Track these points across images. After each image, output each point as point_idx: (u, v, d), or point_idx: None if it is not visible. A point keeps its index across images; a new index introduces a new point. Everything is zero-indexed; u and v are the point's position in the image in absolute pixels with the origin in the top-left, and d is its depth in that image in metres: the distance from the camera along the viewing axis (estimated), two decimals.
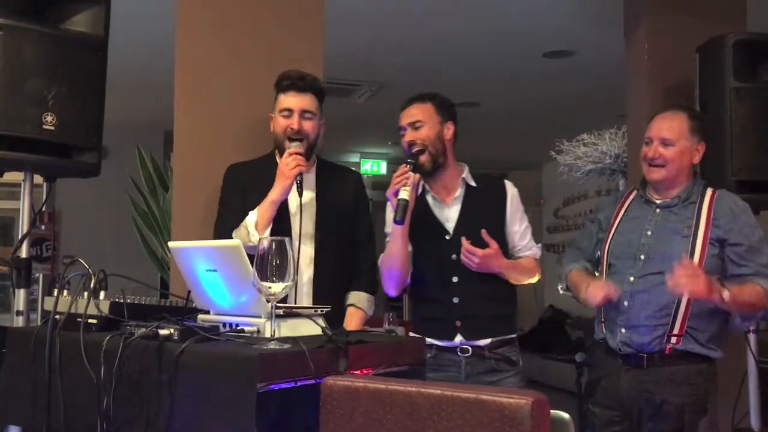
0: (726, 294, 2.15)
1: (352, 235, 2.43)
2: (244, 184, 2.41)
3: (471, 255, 2.27)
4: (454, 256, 2.35)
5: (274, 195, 2.26)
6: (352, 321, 2.35)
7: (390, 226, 2.39)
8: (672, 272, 2.12)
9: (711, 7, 3.36)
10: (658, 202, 2.41)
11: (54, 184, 2.53)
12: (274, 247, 1.58)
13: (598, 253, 2.49)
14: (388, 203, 2.43)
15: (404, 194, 2.22)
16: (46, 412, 1.79)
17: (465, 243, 2.26)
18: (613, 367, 2.37)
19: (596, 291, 2.33)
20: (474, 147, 7.79)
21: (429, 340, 2.35)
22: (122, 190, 4.58)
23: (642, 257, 2.34)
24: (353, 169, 2.72)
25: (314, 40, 2.93)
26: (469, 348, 2.33)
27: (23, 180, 2.40)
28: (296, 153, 2.28)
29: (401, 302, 8.85)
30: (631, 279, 2.34)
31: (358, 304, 2.41)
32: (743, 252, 2.28)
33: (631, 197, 2.52)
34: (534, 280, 2.46)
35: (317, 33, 2.94)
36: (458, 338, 2.33)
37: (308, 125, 2.36)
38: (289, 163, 2.27)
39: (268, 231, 2.25)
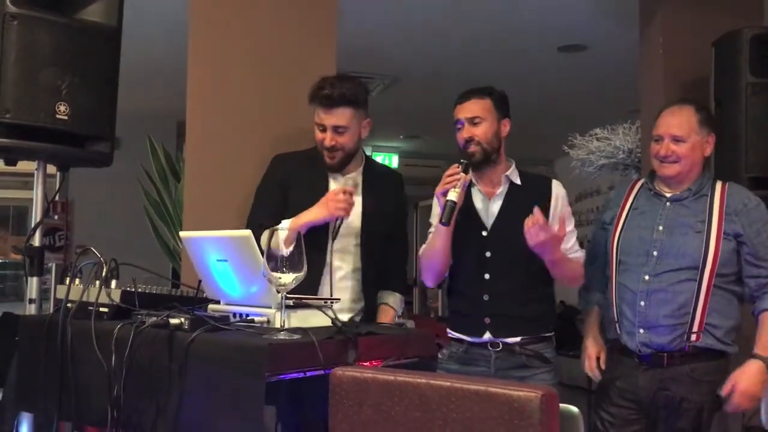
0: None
1: (389, 237, 2.43)
2: (287, 175, 2.41)
3: (539, 229, 2.12)
4: (488, 254, 2.31)
5: (310, 217, 2.22)
6: (385, 319, 2.38)
7: (434, 218, 2.37)
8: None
9: (727, 2, 3.33)
10: (668, 195, 2.37)
11: (67, 173, 2.54)
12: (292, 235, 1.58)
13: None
14: (434, 198, 2.40)
15: (453, 195, 2.17)
16: (57, 399, 1.81)
17: (538, 214, 2.13)
18: (629, 367, 2.33)
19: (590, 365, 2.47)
20: None
21: (460, 335, 2.36)
22: (134, 181, 4.59)
23: (655, 253, 2.31)
24: (397, 170, 2.68)
25: (327, 33, 2.92)
26: (500, 343, 2.29)
27: (36, 169, 2.41)
28: (349, 194, 2.25)
29: (411, 296, 8.88)
30: (646, 278, 2.30)
31: (391, 304, 2.43)
32: (758, 252, 2.26)
33: (637, 188, 2.47)
34: (576, 284, 2.42)
35: (331, 26, 2.93)
36: (487, 335, 2.29)
37: (343, 139, 2.33)
38: (339, 200, 2.23)
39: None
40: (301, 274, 1.59)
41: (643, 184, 2.47)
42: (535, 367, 2.31)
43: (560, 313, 8.22)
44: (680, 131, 2.32)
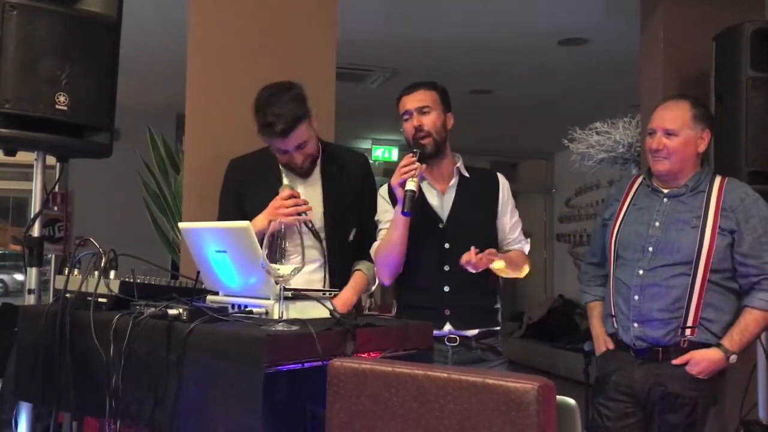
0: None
1: (359, 223, 2.42)
2: (241, 180, 2.42)
3: (469, 264, 2.20)
4: (447, 245, 2.33)
5: (258, 226, 2.07)
6: (356, 282, 2.36)
7: (382, 215, 2.38)
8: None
9: None
10: (665, 191, 2.38)
11: (66, 164, 2.54)
12: (283, 229, 1.58)
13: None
14: (378, 196, 2.43)
15: (411, 185, 2.20)
16: (56, 389, 1.81)
17: (464, 259, 2.19)
18: (625, 361, 2.35)
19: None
20: (486, 135, 7.80)
21: None
22: (134, 172, 4.59)
23: (650, 249, 2.31)
24: (358, 151, 2.66)
25: (328, 25, 2.92)
26: (457, 338, 2.31)
27: (36, 160, 2.41)
28: (294, 196, 2.24)
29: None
30: (641, 272, 2.31)
31: (364, 270, 2.41)
32: (749, 250, 2.26)
33: (637, 184, 2.48)
34: (522, 274, 2.43)
35: (331, 18, 2.93)
36: (447, 327, 2.31)
37: (308, 150, 2.31)
38: (284, 206, 2.21)
39: None
40: (300, 266, 1.59)
41: (642, 180, 2.47)
42: (490, 360, 2.34)
43: (559, 306, 8.25)
44: (672, 125, 2.32)
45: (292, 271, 1.59)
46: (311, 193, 2.36)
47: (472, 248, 2.20)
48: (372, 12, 4.29)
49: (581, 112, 4.79)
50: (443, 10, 4.33)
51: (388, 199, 2.38)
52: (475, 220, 2.37)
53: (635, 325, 2.31)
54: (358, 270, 2.42)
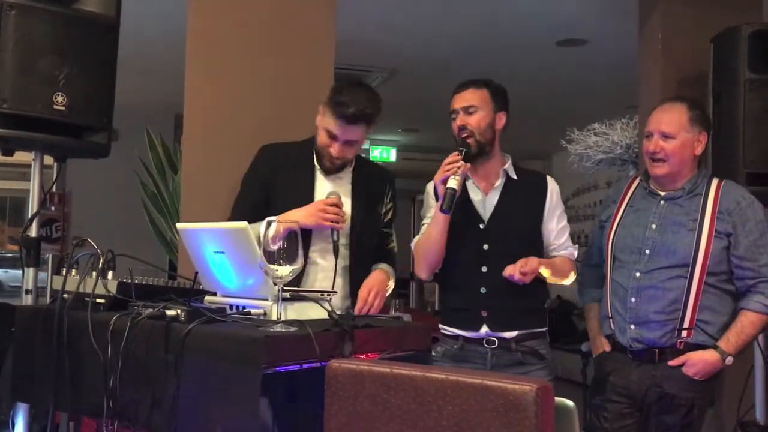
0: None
1: (381, 234, 2.42)
2: (273, 169, 2.37)
3: (513, 278, 2.20)
4: (486, 246, 2.31)
5: (296, 217, 2.05)
6: (378, 275, 2.33)
7: (429, 210, 2.37)
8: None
9: None
10: (662, 194, 2.38)
11: (64, 164, 2.54)
12: (282, 230, 1.58)
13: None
14: (426, 192, 2.42)
15: (453, 183, 2.17)
16: (53, 390, 1.81)
17: (507, 272, 2.20)
18: (622, 362, 2.35)
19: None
20: None
21: (455, 330, 2.34)
22: (132, 173, 4.59)
23: (647, 251, 2.32)
24: (385, 167, 2.65)
25: (326, 25, 2.91)
26: (495, 340, 2.28)
27: (33, 160, 2.41)
28: (339, 208, 2.24)
29: (408, 289, 8.89)
30: (637, 275, 2.31)
31: (384, 268, 2.39)
32: (745, 253, 2.26)
33: (634, 186, 2.48)
34: (568, 281, 2.41)
35: (330, 18, 2.92)
36: (484, 329, 2.29)
37: (350, 152, 2.33)
38: (327, 212, 2.22)
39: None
40: (298, 267, 1.59)
41: (639, 182, 2.48)
42: (531, 363, 2.31)
43: (556, 307, 8.25)
44: (669, 128, 2.32)
45: (291, 271, 1.58)
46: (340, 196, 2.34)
47: (519, 261, 2.19)
48: (370, 12, 4.29)
49: (580, 113, 4.80)
50: (442, 11, 4.33)
51: (434, 196, 2.36)
52: (518, 223, 2.33)
53: (632, 326, 2.31)
54: (378, 268, 2.38)
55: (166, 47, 4.15)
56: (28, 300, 2.36)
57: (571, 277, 2.41)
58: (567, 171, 4.38)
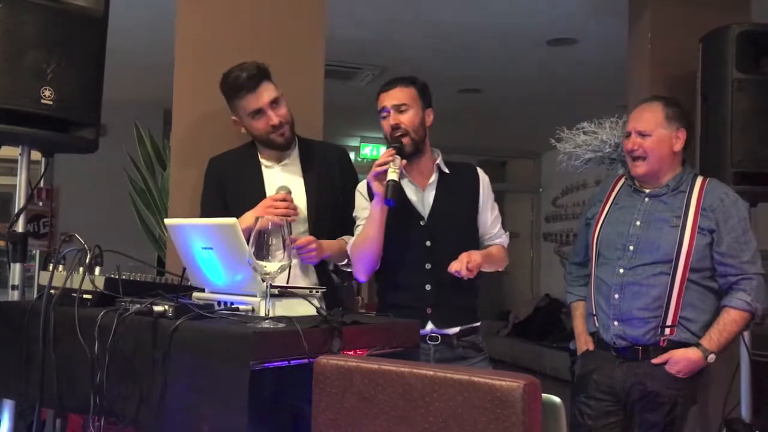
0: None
1: (342, 210, 2.42)
2: (222, 176, 2.42)
3: (459, 273, 2.21)
4: (428, 243, 2.32)
5: (247, 223, 2.02)
6: (334, 244, 2.35)
7: (360, 211, 2.37)
8: None
9: None
10: (647, 191, 2.40)
11: (52, 159, 2.52)
12: (270, 226, 1.58)
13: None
14: (356, 192, 2.41)
15: (393, 175, 2.18)
16: (39, 386, 1.80)
17: (453, 268, 2.21)
18: (606, 360, 2.37)
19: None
20: (474, 134, 7.81)
21: None
22: (120, 168, 4.56)
23: (631, 248, 2.33)
24: (337, 144, 2.66)
25: (317, 23, 2.91)
26: (439, 336, 2.30)
27: (20, 154, 2.39)
28: (284, 199, 2.25)
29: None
30: (621, 271, 2.33)
31: (345, 239, 2.40)
32: (727, 250, 2.28)
33: (620, 184, 2.50)
34: (501, 268, 2.44)
35: (320, 15, 2.92)
36: (429, 326, 2.30)
37: (282, 110, 2.35)
38: (275, 207, 2.22)
39: None
40: (286, 263, 1.59)
41: (624, 180, 2.49)
42: (471, 357, 2.34)
43: (545, 305, 8.29)
44: (645, 126, 2.35)
45: (279, 268, 1.58)
46: (293, 185, 2.36)
47: (462, 256, 2.20)
48: (361, 10, 4.29)
49: (569, 112, 4.81)
50: (432, 9, 4.33)
51: (366, 196, 2.36)
52: (457, 217, 2.37)
53: (615, 323, 2.33)
54: (341, 239, 2.40)
55: (155, 42, 4.13)
56: (14, 296, 2.34)
57: (505, 264, 2.44)
58: (556, 169, 4.38)
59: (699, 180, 2.38)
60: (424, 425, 1.31)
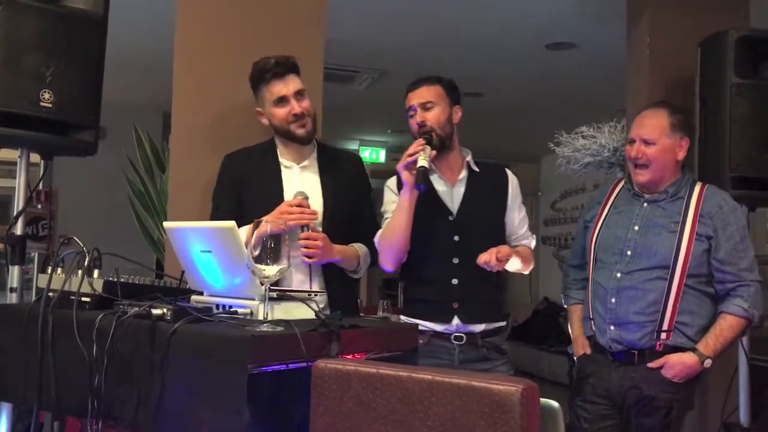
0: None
1: (356, 217, 2.42)
2: (240, 173, 2.39)
3: (488, 264, 2.21)
4: (456, 238, 2.33)
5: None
6: (347, 249, 2.33)
7: (389, 205, 2.38)
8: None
9: (714, 3, 3.35)
10: (645, 196, 2.41)
11: (51, 162, 2.52)
12: (269, 231, 1.58)
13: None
14: (385, 187, 2.43)
15: (423, 162, 2.19)
16: (37, 389, 1.79)
17: (482, 259, 2.21)
18: (602, 364, 2.37)
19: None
20: (474, 138, 7.77)
21: (423, 325, 2.32)
22: (119, 171, 4.56)
23: (629, 252, 2.34)
24: (350, 151, 2.68)
25: (316, 26, 2.91)
26: (464, 336, 2.31)
27: (19, 157, 2.39)
28: (301, 205, 2.22)
29: (396, 290, 8.89)
30: (618, 275, 2.33)
31: (357, 247, 2.39)
32: (725, 257, 2.28)
33: (618, 188, 2.50)
34: (527, 270, 2.45)
35: (319, 18, 2.92)
36: (455, 321, 2.31)
37: (305, 103, 2.36)
38: (290, 213, 2.19)
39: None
40: (285, 266, 1.59)
41: (623, 184, 2.50)
42: (495, 359, 2.35)
43: (543, 309, 8.28)
44: (650, 134, 2.35)
45: (278, 271, 1.58)
46: (310, 188, 2.36)
47: (492, 249, 2.21)
48: (360, 13, 4.29)
49: (568, 116, 4.81)
50: (432, 13, 4.34)
51: (395, 190, 2.37)
52: (485, 214, 2.38)
53: (611, 327, 2.33)
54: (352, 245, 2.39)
55: (155, 45, 4.13)
56: (13, 298, 2.34)
57: (531, 266, 2.45)
58: (555, 173, 4.39)
59: (698, 186, 2.39)
60: (423, 430, 1.31)
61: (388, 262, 2.35)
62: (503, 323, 2.41)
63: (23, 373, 1.84)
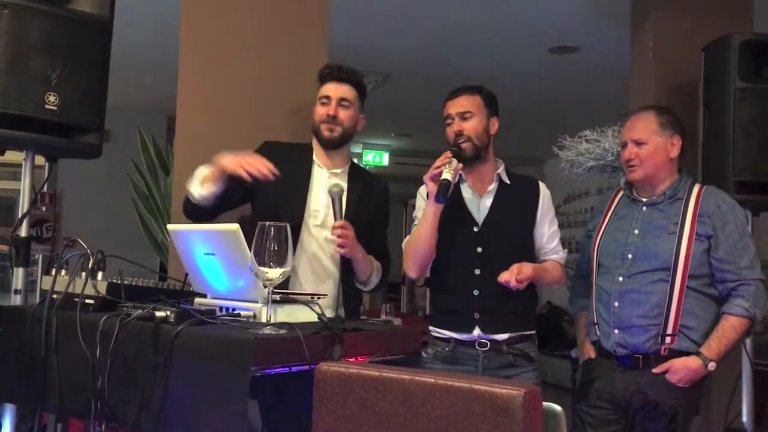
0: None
1: (370, 241, 2.39)
2: (276, 155, 2.34)
3: (508, 284, 2.22)
4: (479, 249, 2.33)
5: (221, 165, 2.17)
6: (365, 252, 2.33)
7: (419, 211, 2.39)
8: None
9: (718, 8, 3.35)
10: (644, 200, 2.41)
11: (56, 164, 2.53)
12: (272, 232, 1.58)
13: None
14: (418, 193, 2.44)
15: (447, 175, 2.19)
16: (40, 390, 1.80)
17: (502, 278, 2.22)
18: (607, 369, 2.36)
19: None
20: None
21: (447, 333, 2.34)
22: (124, 174, 4.58)
23: (630, 256, 2.34)
24: (380, 178, 2.68)
25: (320, 29, 2.92)
26: (487, 342, 2.30)
27: (24, 159, 2.40)
28: (264, 165, 2.19)
29: (399, 294, 8.88)
30: (620, 279, 2.33)
31: (373, 261, 2.40)
32: (725, 256, 2.28)
33: (619, 197, 2.52)
34: (557, 284, 2.45)
35: (323, 21, 2.93)
36: (476, 331, 2.30)
37: (344, 114, 2.39)
38: (252, 163, 2.17)
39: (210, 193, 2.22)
40: (288, 269, 1.59)
41: (623, 192, 2.51)
42: (521, 366, 2.33)
43: (546, 313, 8.27)
44: (640, 134, 2.37)
45: (281, 274, 1.58)
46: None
47: (513, 267, 2.21)
48: (364, 17, 4.30)
49: (571, 120, 4.81)
50: (435, 17, 4.34)
51: (425, 197, 2.37)
52: (511, 227, 2.37)
53: (615, 331, 2.33)
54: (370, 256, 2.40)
55: (160, 49, 4.15)
56: (17, 300, 2.35)
57: (562, 281, 2.44)
58: (558, 177, 4.39)
59: (696, 187, 2.39)
60: None
61: (411, 269, 2.37)
62: (532, 331, 2.39)
63: (27, 375, 1.84)
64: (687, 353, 2.27)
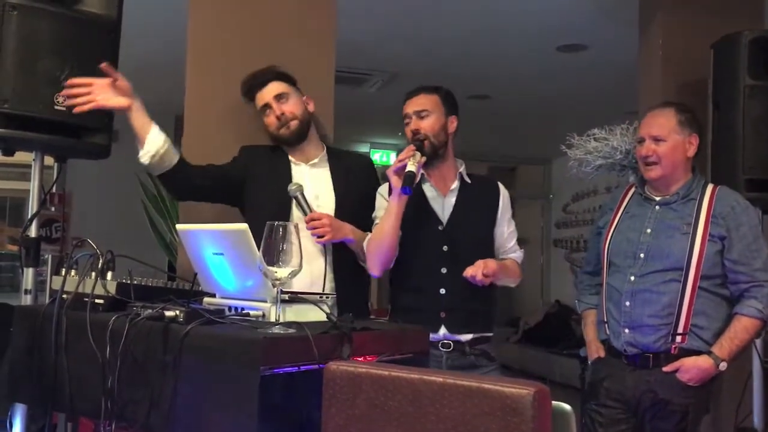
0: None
1: (366, 213, 2.44)
2: (251, 160, 2.49)
3: (474, 279, 2.22)
4: (445, 248, 2.34)
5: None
6: (357, 230, 2.38)
7: (379, 211, 2.39)
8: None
9: (727, 4, 3.34)
10: (657, 199, 2.40)
11: (65, 165, 2.54)
12: (281, 232, 1.58)
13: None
14: (377, 194, 2.44)
15: (411, 167, 2.20)
16: (51, 390, 1.81)
17: (468, 273, 2.22)
18: (617, 368, 2.36)
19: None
20: (485, 140, 7.80)
21: None
22: (132, 174, 4.58)
23: (642, 255, 2.33)
24: (361, 153, 2.74)
25: (327, 29, 2.92)
26: (451, 343, 2.31)
27: (34, 160, 2.41)
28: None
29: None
30: (632, 278, 2.33)
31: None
32: (738, 257, 2.27)
33: (630, 194, 2.50)
34: (514, 284, 2.46)
35: (330, 21, 2.93)
36: (442, 330, 2.31)
37: (288, 106, 2.44)
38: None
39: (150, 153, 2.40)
40: (297, 269, 1.59)
41: (635, 189, 2.49)
42: (484, 366, 2.35)
43: (555, 312, 8.25)
44: (659, 131, 2.35)
45: (290, 273, 1.58)
46: (321, 185, 2.42)
47: (478, 262, 2.21)
48: (371, 16, 4.30)
49: (579, 118, 4.80)
50: (442, 16, 4.34)
51: (386, 196, 2.38)
52: (475, 226, 2.39)
53: (626, 330, 2.32)
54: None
55: (167, 49, 4.16)
56: (27, 300, 2.36)
57: (519, 279, 2.45)
58: (566, 176, 4.38)
59: (710, 188, 2.38)
60: None
61: (374, 267, 2.36)
62: (491, 333, 2.40)
63: (37, 375, 1.85)
64: (697, 352, 2.26)
